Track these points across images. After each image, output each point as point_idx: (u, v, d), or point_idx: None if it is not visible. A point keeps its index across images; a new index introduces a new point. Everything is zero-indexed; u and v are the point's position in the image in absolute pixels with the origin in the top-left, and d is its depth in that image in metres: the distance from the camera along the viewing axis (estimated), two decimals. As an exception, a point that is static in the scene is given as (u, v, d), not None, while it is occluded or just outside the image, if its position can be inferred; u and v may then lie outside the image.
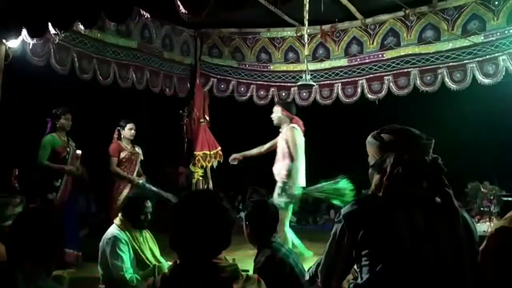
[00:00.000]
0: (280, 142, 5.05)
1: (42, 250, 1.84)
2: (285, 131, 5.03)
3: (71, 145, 5.37)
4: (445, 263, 1.66)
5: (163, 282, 1.55)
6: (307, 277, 2.20)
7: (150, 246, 3.74)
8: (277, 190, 4.96)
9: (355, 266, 1.82)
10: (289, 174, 4.86)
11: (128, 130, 5.68)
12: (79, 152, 5.32)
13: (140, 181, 5.65)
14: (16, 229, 1.89)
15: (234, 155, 5.53)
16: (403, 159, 1.73)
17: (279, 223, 4.78)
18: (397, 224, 1.67)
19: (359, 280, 1.73)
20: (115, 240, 3.48)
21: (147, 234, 3.78)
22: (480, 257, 1.77)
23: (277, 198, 4.85)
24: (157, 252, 3.76)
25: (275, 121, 5.20)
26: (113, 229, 3.59)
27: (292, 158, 4.89)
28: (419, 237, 1.66)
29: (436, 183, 1.74)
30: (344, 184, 4.94)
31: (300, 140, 4.97)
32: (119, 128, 5.72)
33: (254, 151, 5.50)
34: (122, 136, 5.70)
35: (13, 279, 1.67)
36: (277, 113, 5.16)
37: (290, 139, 4.91)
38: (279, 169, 4.98)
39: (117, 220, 3.65)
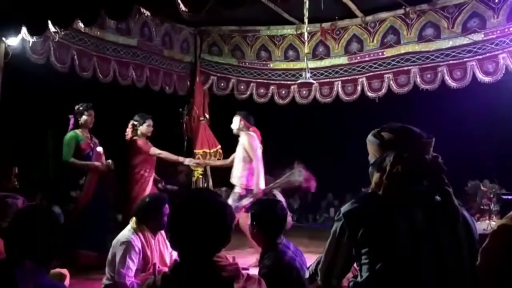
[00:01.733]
0: (238, 148, 5.33)
1: (41, 248, 1.84)
2: (242, 138, 5.31)
3: (94, 141, 5.25)
4: (445, 262, 1.66)
5: (164, 281, 1.55)
6: (307, 275, 2.19)
7: (160, 249, 3.70)
8: (235, 193, 5.26)
9: (355, 264, 1.82)
10: (249, 176, 5.20)
11: (146, 127, 5.41)
12: (100, 149, 5.19)
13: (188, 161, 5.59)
14: (15, 226, 1.89)
15: (197, 161, 5.67)
16: (402, 157, 1.73)
17: (245, 226, 4.93)
18: (396, 223, 1.67)
19: (359, 278, 1.73)
20: (128, 246, 3.42)
21: (160, 236, 3.73)
22: (481, 255, 1.77)
23: (241, 202, 5.13)
24: (167, 256, 3.72)
25: (234, 131, 5.42)
26: (128, 233, 3.52)
27: (250, 162, 5.20)
28: (418, 236, 1.66)
29: (436, 182, 1.74)
30: (298, 174, 5.21)
31: (257, 145, 5.28)
32: (135, 123, 5.43)
33: (219, 163, 5.80)
34: (138, 132, 5.41)
35: (12, 276, 1.67)
36: (236, 122, 5.39)
37: (247, 145, 5.22)
38: (237, 172, 5.30)
39: (132, 223, 3.59)
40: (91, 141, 5.20)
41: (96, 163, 5.10)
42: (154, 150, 5.38)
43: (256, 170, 5.14)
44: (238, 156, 5.33)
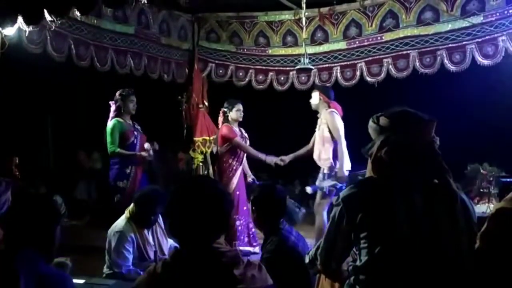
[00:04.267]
0: (321, 127, 5.02)
1: (40, 236, 1.84)
2: (323, 116, 5.00)
3: (137, 128, 5.13)
4: (443, 245, 1.67)
5: (164, 268, 1.56)
6: (307, 260, 2.21)
7: (158, 238, 3.69)
8: (320, 176, 4.97)
9: (354, 248, 1.84)
10: (333, 158, 4.87)
11: (235, 112, 5.32)
12: (147, 145, 5.06)
13: (270, 161, 5.19)
14: (13, 214, 1.89)
15: (283, 158, 5.22)
16: (388, 142, 1.74)
17: (318, 206, 4.84)
18: (395, 207, 1.68)
19: (358, 262, 1.75)
20: (121, 236, 3.43)
21: (158, 227, 3.72)
22: (480, 239, 1.78)
23: (321, 183, 4.89)
24: (164, 244, 3.71)
25: (313, 106, 5.16)
26: (121, 222, 3.53)
27: (333, 143, 4.90)
28: (417, 219, 1.67)
29: (432, 166, 1.74)
30: None
31: (341, 124, 4.96)
32: (225, 109, 5.39)
33: (302, 151, 5.32)
34: (229, 118, 5.35)
35: (13, 265, 1.67)
36: (315, 98, 5.11)
37: (330, 124, 4.90)
38: (320, 154, 4.97)
39: (127, 212, 3.59)
40: (134, 128, 5.09)
41: (143, 153, 4.99)
42: (238, 141, 5.22)
43: (340, 151, 4.82)
44: (320, 135, 4.99)
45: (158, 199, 3.47)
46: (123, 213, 3.82)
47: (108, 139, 4.90)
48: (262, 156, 5.24)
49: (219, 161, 5.38)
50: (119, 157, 4.92)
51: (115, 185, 4.91)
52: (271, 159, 5.22)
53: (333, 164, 4.87)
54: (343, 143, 4.86)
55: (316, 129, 5.13)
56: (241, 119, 5.40)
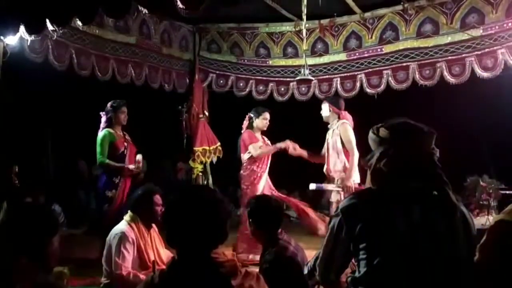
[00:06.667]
0: (332, 138, 5.02)
1: (36, 246, 1.83)
2: (336, 127, 5.01)
3: (128, 140, 5.13)
4: (442, 257, 1.67)
5: (161, 278, 1.56)
6: (305, 271, 2.21)
7: (156, 246, 3.71)
8: (335, 185, 4.95)
9: (353, 260, 1.83)
10: (346, 169, 4.87)
11: (262, 120, 5.26)
12: (139, 157, 5.05)
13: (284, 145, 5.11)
14: (9, 224, 1.88)
15: (293, 145, 5.17)
16: (387, 154, 1.75)
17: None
18: (394, 218, 1.68)
19: (356, 274, 1.74)
20: (122, 237, 3.46)
21: (154, 233, 3.75)
22: (480, 250, 1.78)
23: (326, 185, 4.97)
24: (162, 253, 3.73)
25: (324, 118, 5.17)
26: (122, 225, 3.56)
27: (347, 154, 4.90)
28: (416, 231, 1.67)
29: (432, 178, 1.74)
30: None
31: (353, 135, 4.94)
32: (251, 116, 5.34)
33: (306, 154, 5.26)
34: (254, 125, 5.30)
35: (8, 274, 1.67)
36: (326, 110, 5.13)
37: (343, 135, 4.91)
38: (335, 165, 4.96)
39: (127, 216, 3.63)
40: (124, 139, 5.09)
41: (130, 166, 4.97)
42: (254, 148, 5.14)
43: (350, 162, 4.80)
44: (334, 146, 4.97)
45: (154, 191, 3.63)
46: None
47: (98, 149, 4.90)
48: (274, 147, 5.23)
49: (242, 166, 5.27)
50: (107, 167, 4.92)
51: (104, 194, 4.90)
52: (282, 144, 5.17)
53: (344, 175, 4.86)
54: (356, 155, 4.82)
55: (327, 140, 5.13)
56: (265, 129, 5.36)
